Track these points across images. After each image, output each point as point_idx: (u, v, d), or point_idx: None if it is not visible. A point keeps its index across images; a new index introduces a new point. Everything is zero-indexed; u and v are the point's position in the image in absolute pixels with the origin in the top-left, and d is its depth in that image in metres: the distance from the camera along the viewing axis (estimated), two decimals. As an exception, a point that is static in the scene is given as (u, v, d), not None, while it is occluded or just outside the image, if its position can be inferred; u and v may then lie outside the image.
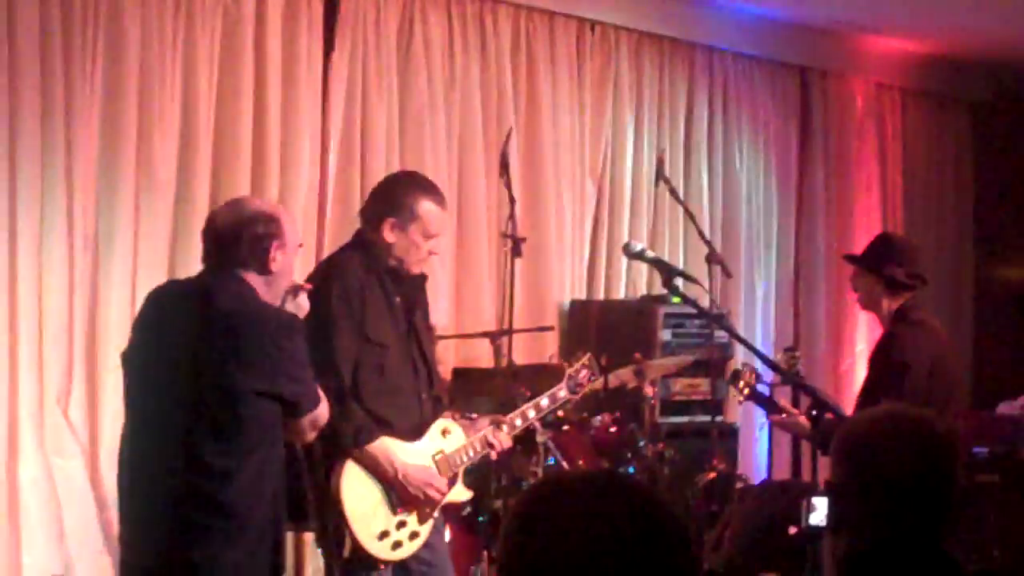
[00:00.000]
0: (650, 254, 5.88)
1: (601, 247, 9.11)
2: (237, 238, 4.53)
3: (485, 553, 6.46)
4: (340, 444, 5.26)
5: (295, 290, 4.71)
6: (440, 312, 7.71)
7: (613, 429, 7.22)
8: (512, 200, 7.27)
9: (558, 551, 2.22)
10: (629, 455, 7.17)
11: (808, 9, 9.90)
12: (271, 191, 7.34)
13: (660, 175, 7.98)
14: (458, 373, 7.91)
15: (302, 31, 7.55)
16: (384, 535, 5.37)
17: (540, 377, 7.25)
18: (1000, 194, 12.13)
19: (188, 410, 4.41)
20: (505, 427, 5.74)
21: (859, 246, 10.77)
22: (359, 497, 5.32)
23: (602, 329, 8.38)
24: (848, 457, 3.24)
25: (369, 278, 5.41)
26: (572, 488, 2.33)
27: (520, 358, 7.53)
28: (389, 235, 5.39)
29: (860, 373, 10.79)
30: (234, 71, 7.31)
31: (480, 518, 5.89)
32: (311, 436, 4.80)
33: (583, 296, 8.92)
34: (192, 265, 6.98)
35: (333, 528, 5.26)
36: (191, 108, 7.14)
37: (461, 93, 8.29)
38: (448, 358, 7.82)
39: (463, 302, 8.30)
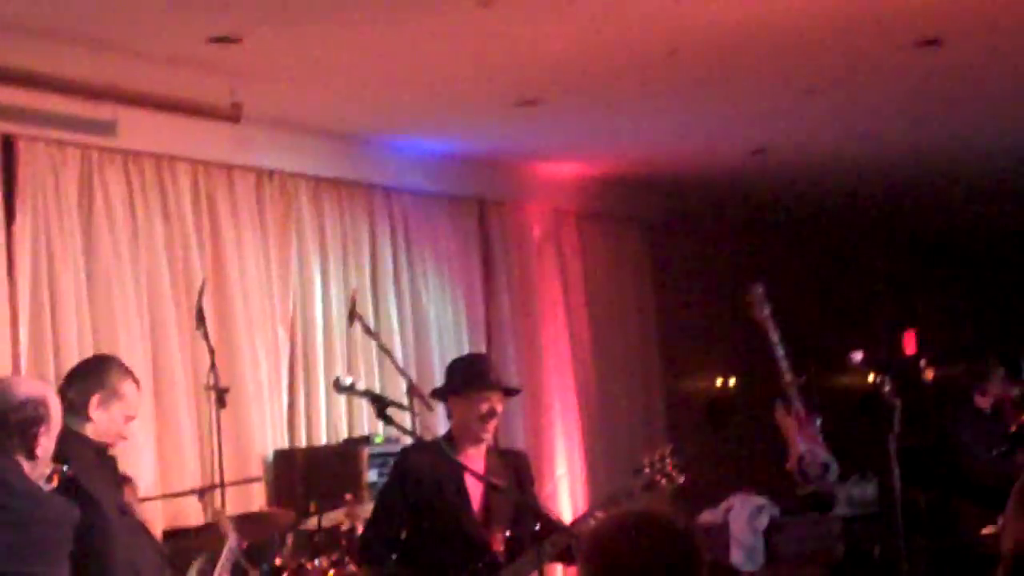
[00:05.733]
0: (361, 386, 5.97)
1: (299, 392, 9.08)
2: (5, 424, 4.54)
3: None
4: None
5: (53, 473, 4.71)
6: (144, 472, 7.60)
7: (331, 573, 7.17)
8: (212, 351, 7.25)
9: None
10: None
11: (477, 143, 10.07)
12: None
13: (353, 313, 8.03)
14: (168, 535, 7.73)
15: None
16: None
17: (253, 525, 7.20)
18: (679, 308, 12.52)
19: None
20: None
21: (549, 368, 11.10)
22: None
23: (309, 475, 8.38)
24: (589, 561, 3.32)
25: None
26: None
27: (230, 511, 7.44)
28: (94, 412, 5.35)
29: (563, 496, 10.99)
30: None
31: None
32: None
33: (286, 444, 8.87)
34: None
35: None
36: None
37: (147, 249, 8.18)
38: (157, 519, 7.64)
39: (166, 460, 8.12)
